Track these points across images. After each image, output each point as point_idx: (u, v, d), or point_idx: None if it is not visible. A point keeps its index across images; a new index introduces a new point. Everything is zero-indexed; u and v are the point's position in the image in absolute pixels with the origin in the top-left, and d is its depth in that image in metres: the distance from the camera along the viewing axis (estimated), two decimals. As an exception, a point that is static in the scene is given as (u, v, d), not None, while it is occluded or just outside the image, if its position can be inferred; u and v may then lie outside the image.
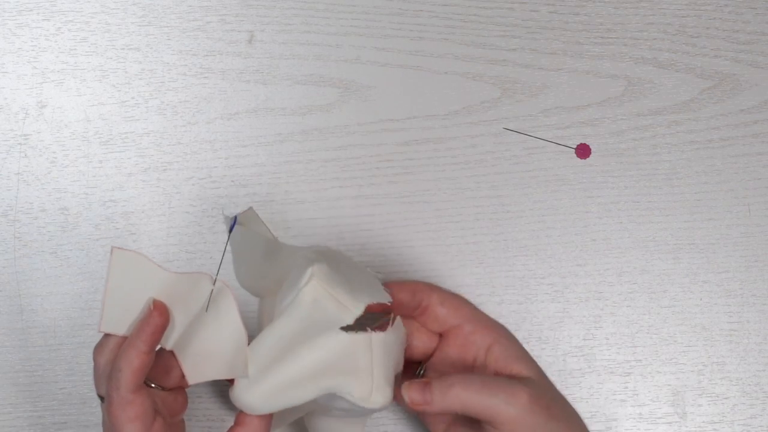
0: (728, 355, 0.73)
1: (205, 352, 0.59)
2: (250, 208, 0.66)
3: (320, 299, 0.58)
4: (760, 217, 0.74)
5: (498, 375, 0.60)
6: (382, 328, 0.59)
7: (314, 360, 0.58)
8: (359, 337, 0.58)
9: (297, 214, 0.72)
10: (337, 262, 0.60)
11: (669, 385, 0.73)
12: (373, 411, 0.59)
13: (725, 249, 0.74)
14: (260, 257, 0.67)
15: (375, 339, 0.58)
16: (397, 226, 0.73)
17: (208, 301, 0.58)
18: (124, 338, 0.58)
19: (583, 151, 0.74)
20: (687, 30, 0.75)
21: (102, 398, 0.58)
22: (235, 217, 0.63)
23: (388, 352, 0.58)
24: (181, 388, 0.61)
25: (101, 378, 0.58)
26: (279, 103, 0.73)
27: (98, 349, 0.59)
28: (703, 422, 0.73)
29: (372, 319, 0.60)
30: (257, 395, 0.58)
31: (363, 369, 0.58)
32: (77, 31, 0.73)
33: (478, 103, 0.74)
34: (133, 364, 0.55)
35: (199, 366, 0.59)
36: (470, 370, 0.62)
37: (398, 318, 0.61)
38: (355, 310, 0.58)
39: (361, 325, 0.59)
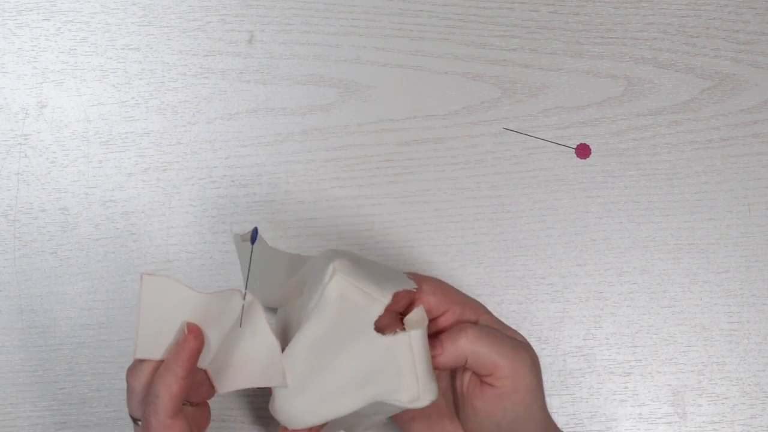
0: (728, 355, 0.73)
1: (239, 364, 0.58)
2: (254, 229, 0.65)
3: (347, 293, 0.56)
4: (760, 217, 0.74)
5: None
6: (419, 324, 0.58)
7: (356, 368, 0.57)
8: (398, 339, 0.57)
9: (297, 214, 0.72)
10: (356, 258, 0.59)
11: (669, 385, 0.73)
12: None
13: (725, 249, 0.74)
14: (277, 269, 0.66)
15: (414, 337, 0.57)
16: (397, 226, 0.73)
17: (241, 317, 0.57)
18: (160, 362, 0.57)
19: (583, 151, 0.74)
20: (687, 30, 0.75)
21: (135, 420, 0.58)
22: (256, 228, 0.62)
23: (424, 346, 0.57)
24: (205, 402, 0.61)
25: (136, 401, 0.58)
26: (279, 103, 0.73)
27: (132, 372, 0.58)
28: (703, 422, 0.73)
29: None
30: (301, 406, 0.57)
31: (407, 371, 0.56)
32: (77, 31, 0.73)
33: (478, 103, 0.74)
34: (171, 389, 0.55)
35: (230, 377, 0.59)
36: None
37: (422, 307, 0.59)
38: (384, 299, 0.56)
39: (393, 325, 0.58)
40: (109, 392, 0.72)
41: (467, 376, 0.60)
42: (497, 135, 0.74)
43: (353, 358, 0.57)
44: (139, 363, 0.58)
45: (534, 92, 0.74)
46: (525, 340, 0.61)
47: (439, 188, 0.73)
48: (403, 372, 0.56)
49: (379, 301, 0.56)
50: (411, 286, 0.58)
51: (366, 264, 0.59)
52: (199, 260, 0.72)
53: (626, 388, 0.73)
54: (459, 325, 0.59)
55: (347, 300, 0.56)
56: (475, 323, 0.61)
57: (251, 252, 0.61)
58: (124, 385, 0.72)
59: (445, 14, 0.74)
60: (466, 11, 0.74)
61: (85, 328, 0.72)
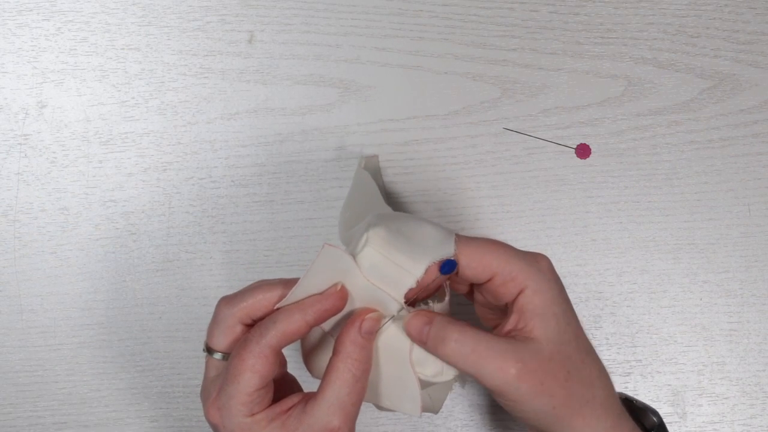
0: (728, 355, 0.73)
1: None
2: (376, 156, 0.64)
3: (377, 264, 0.56)
4: (760, 217, 0.74)
5: (517, 329, 0.57)
6: (440, 296, 0.58)
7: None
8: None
9: (297, 214, 0.72)
10: (400, 223, 0.58)
11: (669, 385, 0.73)
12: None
13: (725, 249, 0.74)
14: (361, 205, 0.66)
15: (437, 311, 0.57)
16: (397, 226, 0.73)
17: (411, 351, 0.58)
18: (270, 310, 0.56)
19: (583, 151, 0.74)
20: (687, 30, 0.75)
21: (210, 351, 0.57)
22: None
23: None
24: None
25: (219, 329, 0.57)
26: (279, 103, 0.73)
27: (229, 301, 0.57)
28: (703, 422, 0.73)
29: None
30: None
31: None
32: (77, 31, 0.73)
33: (478, 103, 0.74)
34: (291, 325, 0.55)
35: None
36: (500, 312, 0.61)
37: (447, 289, 0.59)
38: (415, 273, 0.56)
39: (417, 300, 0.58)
40: (109, 392, 0.72)
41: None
42: (497, 135, 0.74)
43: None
44: (237, 296, 0.57)
45: (534, 92, 0.74)
46: (548, 336, 0.57)
47: (439, 188, 0.73)
48: None
49: (410, 274, 0.56)
50: (447, 254, 0.57)
51: (408, 227, 0.58)
52: (199, 260, 0.72)
53: (626, 388, 0.73)
54: (449, 330, 0.56)
55: (378, 270, 0.56)
56: (516, 296, 0.57)
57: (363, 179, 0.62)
58: (123, 385, 0.72)
59: (445, 14, 0.74)
60: (466, 11, 0.74)
61: (85, 328, 0.72)
